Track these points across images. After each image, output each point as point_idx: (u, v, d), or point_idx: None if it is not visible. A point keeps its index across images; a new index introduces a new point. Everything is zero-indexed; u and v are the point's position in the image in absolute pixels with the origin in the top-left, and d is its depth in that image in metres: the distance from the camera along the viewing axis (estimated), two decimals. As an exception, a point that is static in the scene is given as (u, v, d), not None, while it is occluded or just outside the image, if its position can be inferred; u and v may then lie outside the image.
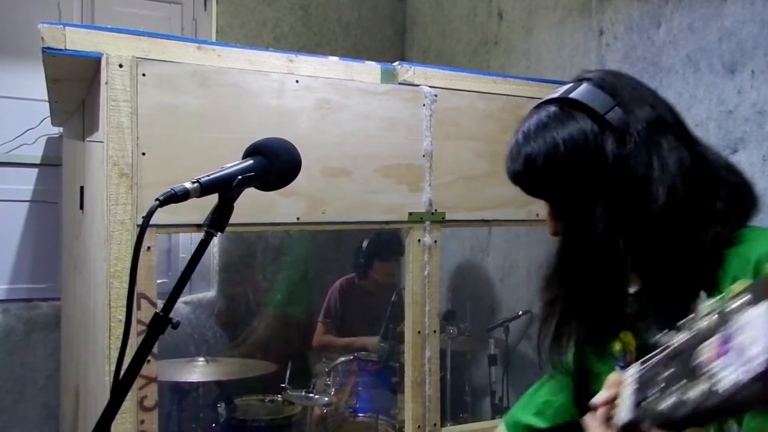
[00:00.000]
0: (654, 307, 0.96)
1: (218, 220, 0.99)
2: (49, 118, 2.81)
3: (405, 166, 1.83)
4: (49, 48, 1.44)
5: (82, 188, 1.99)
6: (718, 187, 0.95)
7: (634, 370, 0.71)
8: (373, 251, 3.29)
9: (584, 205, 0.96)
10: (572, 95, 0.96)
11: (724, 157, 1.02)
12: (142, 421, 1.48)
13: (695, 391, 0.56)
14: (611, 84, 0.98)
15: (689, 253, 0.91)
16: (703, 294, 0.89)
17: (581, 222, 0.96)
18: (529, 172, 0.98)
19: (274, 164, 1.05)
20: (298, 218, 1.68)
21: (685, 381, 0.58)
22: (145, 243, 1.43)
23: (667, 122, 0.96)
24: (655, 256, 0.93)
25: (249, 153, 1.06)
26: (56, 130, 3.10)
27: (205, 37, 3.49)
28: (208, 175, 0.97)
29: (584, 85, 0.97)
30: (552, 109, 0.98)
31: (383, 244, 3.25)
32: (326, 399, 2.70)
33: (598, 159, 0.93)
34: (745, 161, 1.91)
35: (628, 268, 0.96)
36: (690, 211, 0.92)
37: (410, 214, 1.84)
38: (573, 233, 0.99)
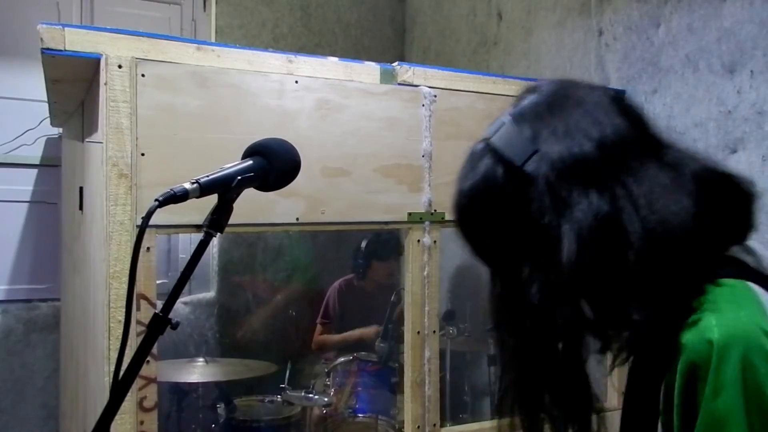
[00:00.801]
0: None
1: (218, 220, 0.99)
2: (48, 119, 2.81)
3: (404, 167, 1.84)
4: (48, 49, 1.44)
5: (81, 189, 1.99)
6: (669, 239, 0.78)
7: None
8: (371, 251, 3.29)
9: (511, 265, 0.85)
10: (493, 139, 0.87)
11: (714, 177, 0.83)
12: (142, 422, 1.48)
13: None
14: (540, 115, 0.85)
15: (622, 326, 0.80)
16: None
17: (514, 286, 0.85)
18: (457, 217, 0.90)
19: (273, 165, 1.05)
20: (297, 218, 1.68)
21: None
22: (145, 243, 1.43)
23: (589, 163, 0.80)
24: (593, 327, 0.82)
25: (248, 153, 1.06)
26: (55, 131, 3.10)
27: (204, 37, 3.49)
28: (207, 176, 0.97)
29: (507, 125, 0.86)
30: (478, 148, 0.89)
31: (382, 244, 3.25)
32: (326, 399, 2.70)
33: (514, 212, 0.83)
34: (744, 161, 1.91)
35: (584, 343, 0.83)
36: (609, 270, 0.78)
37: (410, 214, 1.84)
38: (509, 301, 0.88)
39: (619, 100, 0.87)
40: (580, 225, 0.78)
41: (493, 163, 0.85)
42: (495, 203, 0.84)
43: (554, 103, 0.86)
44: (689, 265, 0.78)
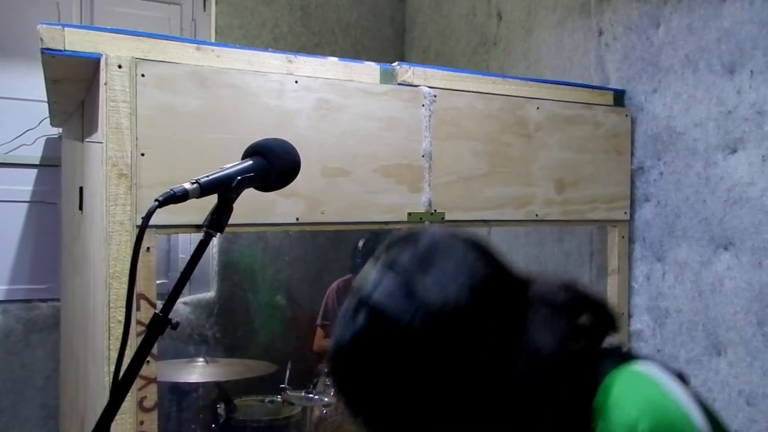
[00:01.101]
0: None
1: (217, 220, 0.99)
2: (48, 119, 2.81)
3: (404, 167, 1.83)
4: (48, 49, 1.44)
5: (81, 189, 1.99)
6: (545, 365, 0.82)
7: None
8: (369, 250, 3.28)
9: (397, 421, 0.84)
10: (375, 294, 0.84)
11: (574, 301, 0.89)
12: (142, 422, 1.48)
13: None
14: (417, 268, 0.85)
15: None
16: None
17: None
18: (337, 371, 0.87)
19: (273, 165, 1.05)
20: (297, 219, 1.68)
21: None
22: (145, 244, 1.42)
23: (469, 312, 0.81)
24: None
25: (248, 154, 1.06)
26: (55, 131, 3.10)
27: (204, 37, 3.49)
28: (207, 176, 0.98)
29: (387, 279, 0.84)
30: (353, 304, 0.86)
31: (380, 243, 3.24)
32: (326, 399, 2.70)
33: (398, 366, 0.82)
34: (744, 161, 1.91)
35: None
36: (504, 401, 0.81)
37: (409, 214, 1.84)
38: None
39: (482, 247, 0.90)
40: (470, 375, 0.80)
41: (374, 317, 0.82)
42: (378, 357, 0.82)
43: (428, 254, 0.86)
44: (576, 388, 0.82)
